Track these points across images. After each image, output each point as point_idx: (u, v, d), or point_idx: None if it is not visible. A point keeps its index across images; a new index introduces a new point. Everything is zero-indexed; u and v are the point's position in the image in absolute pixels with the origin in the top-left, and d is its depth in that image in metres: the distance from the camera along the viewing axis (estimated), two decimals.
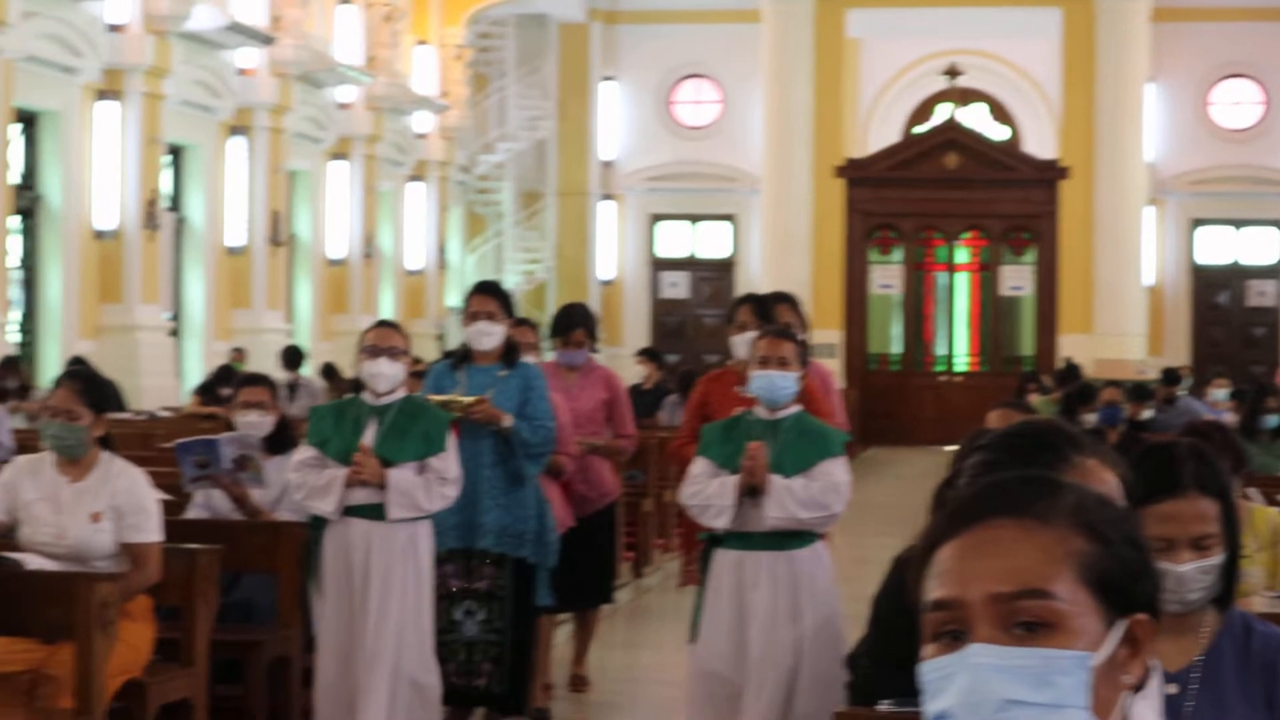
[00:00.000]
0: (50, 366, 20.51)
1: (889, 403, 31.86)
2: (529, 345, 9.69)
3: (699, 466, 7.58)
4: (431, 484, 8.00)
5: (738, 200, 36.63)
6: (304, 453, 8.13)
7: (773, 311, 9.37)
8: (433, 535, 8.19)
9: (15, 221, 20.73)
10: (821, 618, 7.52)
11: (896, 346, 33.49)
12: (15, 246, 21.02)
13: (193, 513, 9.00)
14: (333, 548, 8.02)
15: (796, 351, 7.72)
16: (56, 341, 21.44)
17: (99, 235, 22.05)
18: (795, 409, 7.63)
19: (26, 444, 13.89)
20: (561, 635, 10.87)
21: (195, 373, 24.12)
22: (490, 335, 8.79)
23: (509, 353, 8.87)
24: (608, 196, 36.77)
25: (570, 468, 9.57)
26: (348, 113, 28.90)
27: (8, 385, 16.50)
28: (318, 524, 8.06)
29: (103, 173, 22.01)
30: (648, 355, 23.34)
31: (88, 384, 7.70)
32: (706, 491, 7.47)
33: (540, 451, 8.73)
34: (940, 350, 33.36)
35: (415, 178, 32.39)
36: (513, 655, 8.68)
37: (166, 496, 8.87)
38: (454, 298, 33.51)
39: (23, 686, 7.05)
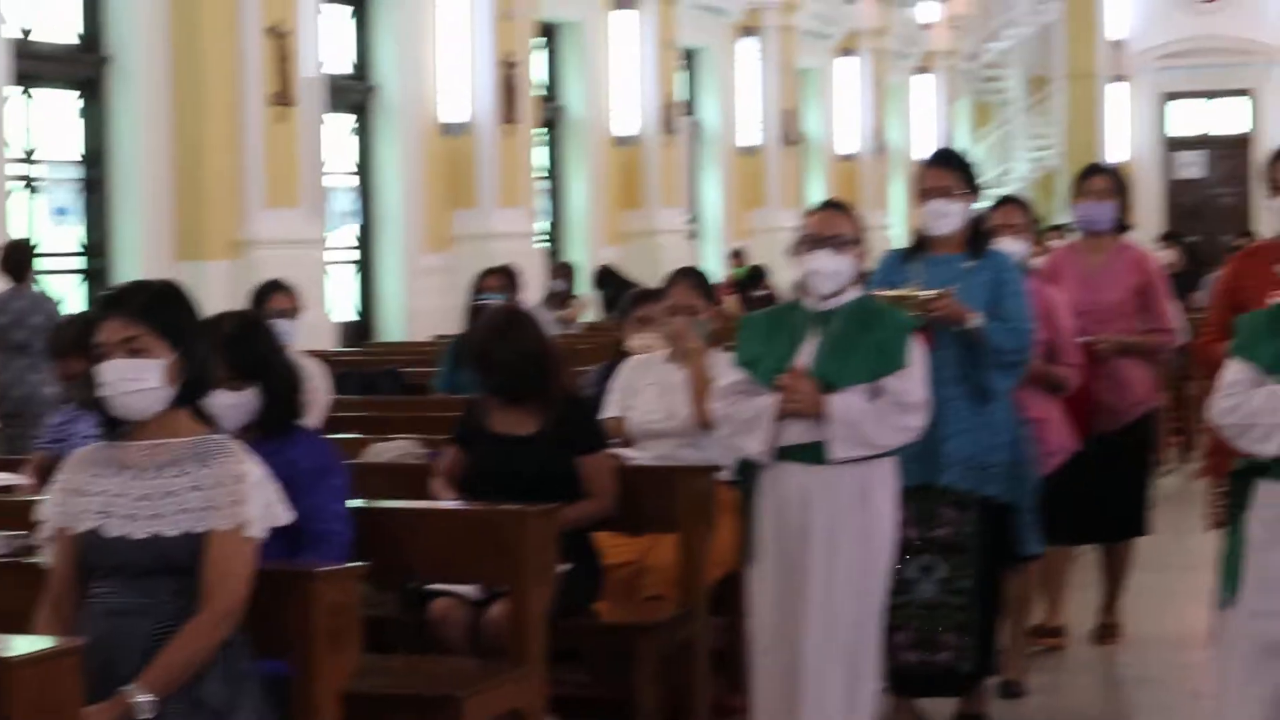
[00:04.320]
0: (577, 273, 20.94)
1: None
2: (1016, 228, 8.07)
3: (1235, 371, 5.66)
4: (887, 413, 6.22)
5: (1255, 74, 35.42)
6: (731, 375, 6.49)
7: None
8: (896, 478, 6.42)
9: (539, 133, 21.18)
10: None
11: None
12: (540, 157, 21.49)
13: None
14: (766, 500, 6.37)
15: None
16: (582, 248, 21.85)
17: (619, 142, 22.38)
18: None
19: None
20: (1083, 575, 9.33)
21: (714, 274, 24.38)
22: (948, 216, 7.15)
23: (975, 239, 7.24)
24: (1118, 78, 35.93)
25: (1076, 382, 7.96)
26: (855, 7, 28.79)
27: (557, 288, 16.94)
28: (747, 470, 6.46)
29: (621, 80, 22.31)
30: (1171, 239, 22.79)
31: (701, 279, 7.82)
32: (1251, 405, 5.55)
33: (1015, 360, 7.05)
34: None
35: (922, 70, 32.14)
36: (982, 622, 7.07)
37: None
38: None
39: (626, 577, 7.20)
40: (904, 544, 6.73)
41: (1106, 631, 8.97)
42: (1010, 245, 7.79)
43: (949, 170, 7.23)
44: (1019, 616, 8.04)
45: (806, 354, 6.27)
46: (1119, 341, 8.45)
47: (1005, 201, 8.32)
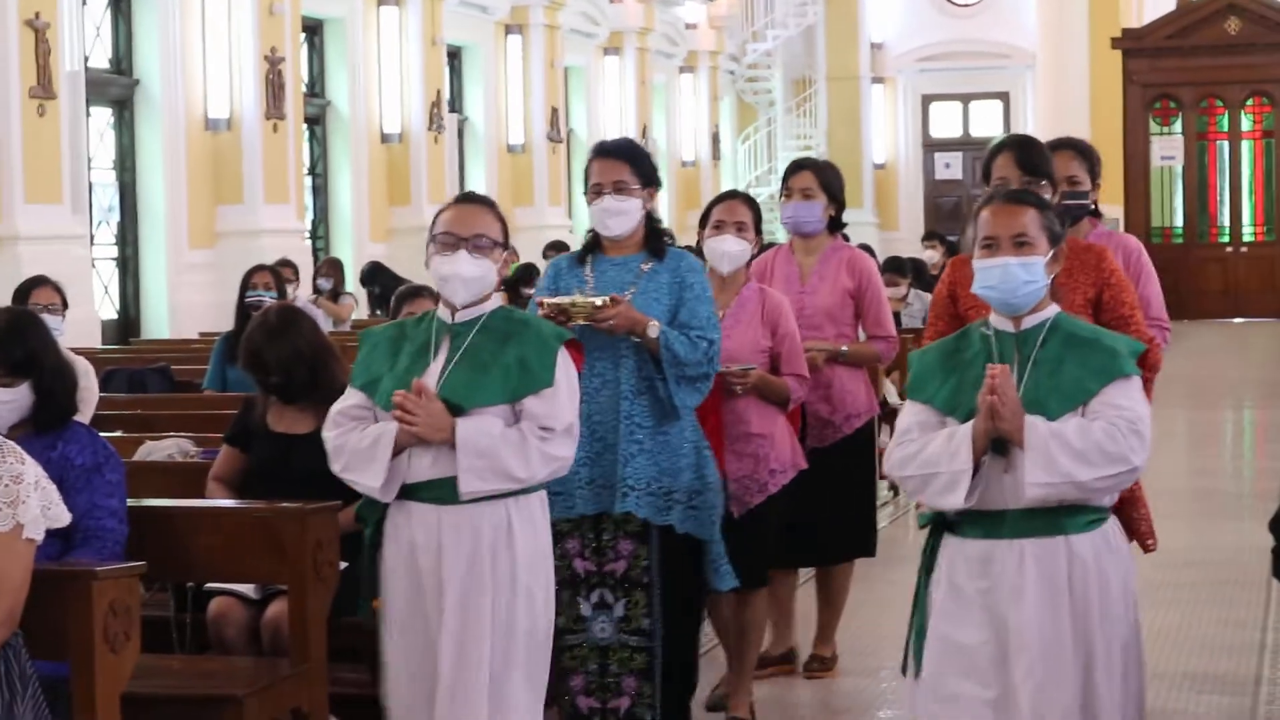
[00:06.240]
0: (345, 270, 20.80)
1: (1172, 276, 31.15)
2: (740, 225, 7.24)
3: (911, 415, 4.94)
4: (528, 439, 5.24)
5: (1010, 77, 36.14)
6: (347, 399, 5.47)
7: (1044, 160, 6.19)
8: (545, 517, 5.45)
9: (305, 129, 21.00)
10: (1117, 641, 4.84)
11: (1179, 219, 32.98)
12: (307, 154, 21.31)
13: None
14: (392, 546, 5.37)
15: (1043, 224, 4.94)
16: (349, 246, 21.72)
17: (386, 139, 22.29)
18: (1051, 310, 4.95)
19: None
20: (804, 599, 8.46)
21: None
22: (622, 214, 6.34)
23: (653, 237, 6.44)
24: (878, 80, 36.43)
25: (801, 392, 7.26)
26: (619, 6, 28.90)
27: (321, 285, 16.84)
28: (370, 509, 5.46)
29: (387, 77, 22.21)
30: (935, 238, 23.03)
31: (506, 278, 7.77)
32: (926, 453, 4.81)
33: (700, 374, 6.26)
34: (1225, 221, 32.82)
35: (686, 69, 32.35)
36: (667, 667, 6.31)
37: None
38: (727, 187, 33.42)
39: None
40: (577, 578, 6.26)
41: (821, 664, 8.14)
42: (732, 244, 7.19)
43: (623, 162, 6.40)
44: (742, 649, 7.25)
45: (434, 371, 5.34)
46: (832, 349, 7.82)
47: (729, 196, 7.45)
